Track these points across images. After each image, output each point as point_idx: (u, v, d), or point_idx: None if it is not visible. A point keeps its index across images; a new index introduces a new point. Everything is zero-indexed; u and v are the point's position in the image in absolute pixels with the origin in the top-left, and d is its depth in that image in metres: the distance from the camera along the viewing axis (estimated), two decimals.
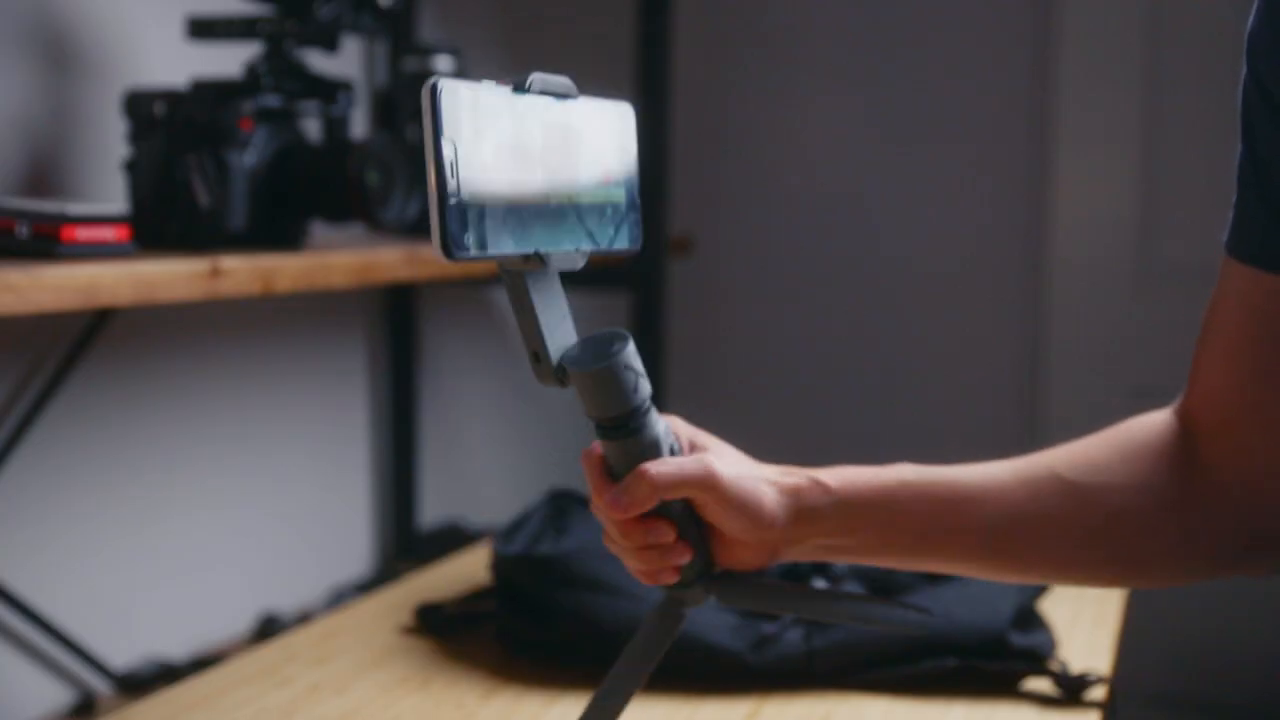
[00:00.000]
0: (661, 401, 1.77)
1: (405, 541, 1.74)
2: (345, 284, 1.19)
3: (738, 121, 2.13)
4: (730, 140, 2.12)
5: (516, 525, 1.16)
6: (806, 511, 0.76)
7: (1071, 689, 0.98)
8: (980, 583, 1.05)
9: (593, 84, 2.32)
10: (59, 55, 1.23)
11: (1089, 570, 0.79)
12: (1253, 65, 0.69)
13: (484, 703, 0.98)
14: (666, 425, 0.74)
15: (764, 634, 1.01)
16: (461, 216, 0.59)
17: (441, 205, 0.59)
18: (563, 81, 0.68)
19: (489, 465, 1.97)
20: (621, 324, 1.77)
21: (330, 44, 1.19)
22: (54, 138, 1.23)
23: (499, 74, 1.97)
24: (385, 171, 1.17)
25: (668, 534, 0.73)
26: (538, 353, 0.68)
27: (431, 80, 0.59)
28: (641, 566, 0.74)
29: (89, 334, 1.23)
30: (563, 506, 1.20)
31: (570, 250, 0.67)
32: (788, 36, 2.09)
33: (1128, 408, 1.87)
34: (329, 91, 1.22)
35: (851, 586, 1.07)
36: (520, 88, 0.65)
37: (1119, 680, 1.04)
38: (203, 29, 1.19)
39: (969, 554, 0.77)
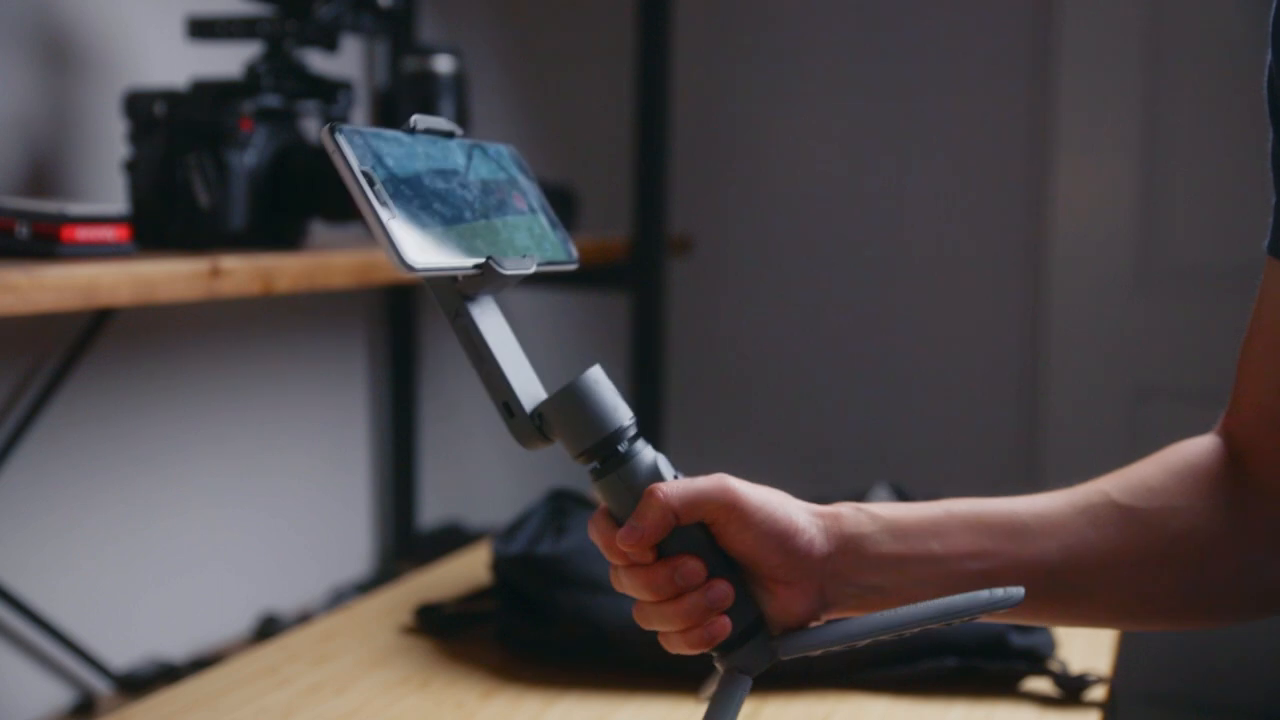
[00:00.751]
0: (662, 402, 1.77)
1: (405, 541, 1.74)
2: (345, 284, 1.19)
3: (738, 121, 2.13)
4: (730, 140, 2.12)
5: (516, 525, 1.16)
6: (852, 540, 0.68)
7: (1071, 689, 0.98)
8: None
9: (593, 84, 2.33)
10: (59, 55, 1.23)
11: (1155, 604, 0.72)
12: (1277, 48, 0.65)
13: (484, 702, 0.98)
14: (665, 458, 0.67)
15: None
16: (406, 229, 0.61)
17: (383, 226, 0.60)
18: (443, 122, 0.68)
19: (489, 465, 1.98)
20: (621, 324, 1.78)
21: (330, 44, 1.19)
22: (54, 138, 1.23)
23: (501, 75, 1.96)
24: None
25: (696, 570, 0.64)
26: (508, 404, 0.65)
27: (326, 126, 0.61)
28: (683, 625, 0.64)
29: (89, 334, 1.23)
30: (563, 506, 1.20)
31: (518, 257, 0.66)
32: (788, 37, 2.09)
33: (1127, 408, 1.88)
34: (329, 91, 1.22)
35: None
36: (409, 129, 0.65)
37: (1119, 680, 1.04)
38: (203, 29, 1.19)
39: (1030, 593, 0.67)
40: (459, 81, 1.48)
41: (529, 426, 0.65)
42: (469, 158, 0.69)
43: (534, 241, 0.69)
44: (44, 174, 1.22)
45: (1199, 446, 0.74)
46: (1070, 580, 0.69)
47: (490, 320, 0.66)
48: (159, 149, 1.11)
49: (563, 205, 1.64)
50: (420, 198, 0.63)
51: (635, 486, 0.65)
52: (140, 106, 1.13)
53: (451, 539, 1.70)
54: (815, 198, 2.09)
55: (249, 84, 1.16)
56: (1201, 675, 1.88)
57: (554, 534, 1.13)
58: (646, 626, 0.67)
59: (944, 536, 0.69)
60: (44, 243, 0.95)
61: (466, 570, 1.29)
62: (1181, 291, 1.89)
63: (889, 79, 2.03)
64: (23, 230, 0.95)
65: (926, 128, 2.02)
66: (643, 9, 1.65)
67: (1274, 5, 0.66)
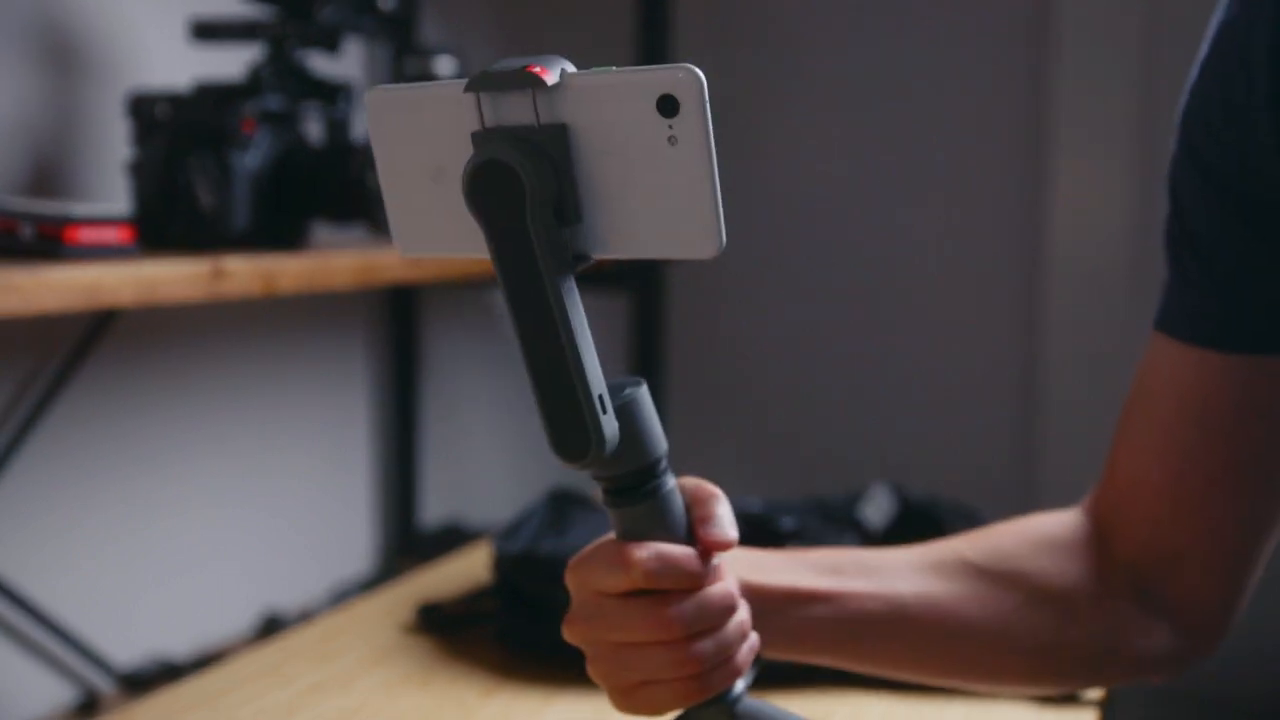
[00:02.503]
0: (662, 402, 1.77)
1: (406, 540, 1.74)
2: (347, 285, 1.19)
3: (737, 122, 2.13)
4: (729, 141, 2.12)
5: (517, 525, 1.17)
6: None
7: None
8: None
9: None
10: (62, 58, 1.23)
11: (1010, 660, 0.71)
12: (1187, 137, 0.67)
13: (484, 701, 0.99)
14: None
15: None
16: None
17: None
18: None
19: (489, 465, 1.98)
20: (621, 324, 1.78)
21: (332, 46, 1.19)
22: (57, 139, 1.23)
23: None
24: None
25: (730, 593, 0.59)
26: (602, 397, 0.55)
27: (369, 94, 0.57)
28: (700, 667, 0.57)
29: (92, 334, 1.24)
30: (563, 506, 1.20)
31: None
32: (787, 38, 2.09)
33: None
34: (330, 93, 1.22)
35: None
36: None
37: None
38: (205, 31, 1.20)
39: (892, 630, 0.68)
40: None
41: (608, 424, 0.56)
42: None
43: None
44: (47, 175, 1.22)
45: (1057, 519, 0.74)
46: (922, 623, 0.68)
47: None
48: (162, 150, 1.12)
49: None
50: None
51: (671, 519, 0.59)
52: (143, 108, 1.13)
53: (452, 538, 1.70)
54: (814, 198, 2.09)
55: (251, 86, 1.17)
56: (1200, 673, 1.88)
57: (555, 533, 1.13)
58: (625, 681, 0.58)
59: (790, 572, 0.68)
60: (48, 243, 0.95)
61: (467, 569, 1.30)
62: None
63: (888, 80, 2.04)
64: (26, 231, 0.96)
65: (925, 129, 2.02)
66: (643, 9, 1.65)
67: (1183, 97, 0.67)
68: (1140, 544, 0.71)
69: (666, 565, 0.56)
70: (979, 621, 0.69)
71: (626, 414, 0.56)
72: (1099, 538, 0.73)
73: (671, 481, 0.60)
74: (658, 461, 0.59)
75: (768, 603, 0.66)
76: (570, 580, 0.60)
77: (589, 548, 0.60)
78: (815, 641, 0.69)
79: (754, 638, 0.60)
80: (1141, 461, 0.71)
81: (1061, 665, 0.71)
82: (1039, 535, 0.73)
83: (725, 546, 0.58)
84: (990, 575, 0.70)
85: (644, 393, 0.58)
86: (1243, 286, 0.66)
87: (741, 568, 0.66)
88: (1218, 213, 0.65)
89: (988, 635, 0.70)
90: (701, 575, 0.57)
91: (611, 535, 0.60)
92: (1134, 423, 0.73)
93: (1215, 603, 0.72)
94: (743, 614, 0.59)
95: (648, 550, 0.57)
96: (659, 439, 0.58)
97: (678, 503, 0.60)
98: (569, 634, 0.60)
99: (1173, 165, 0.68)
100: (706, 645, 0.57)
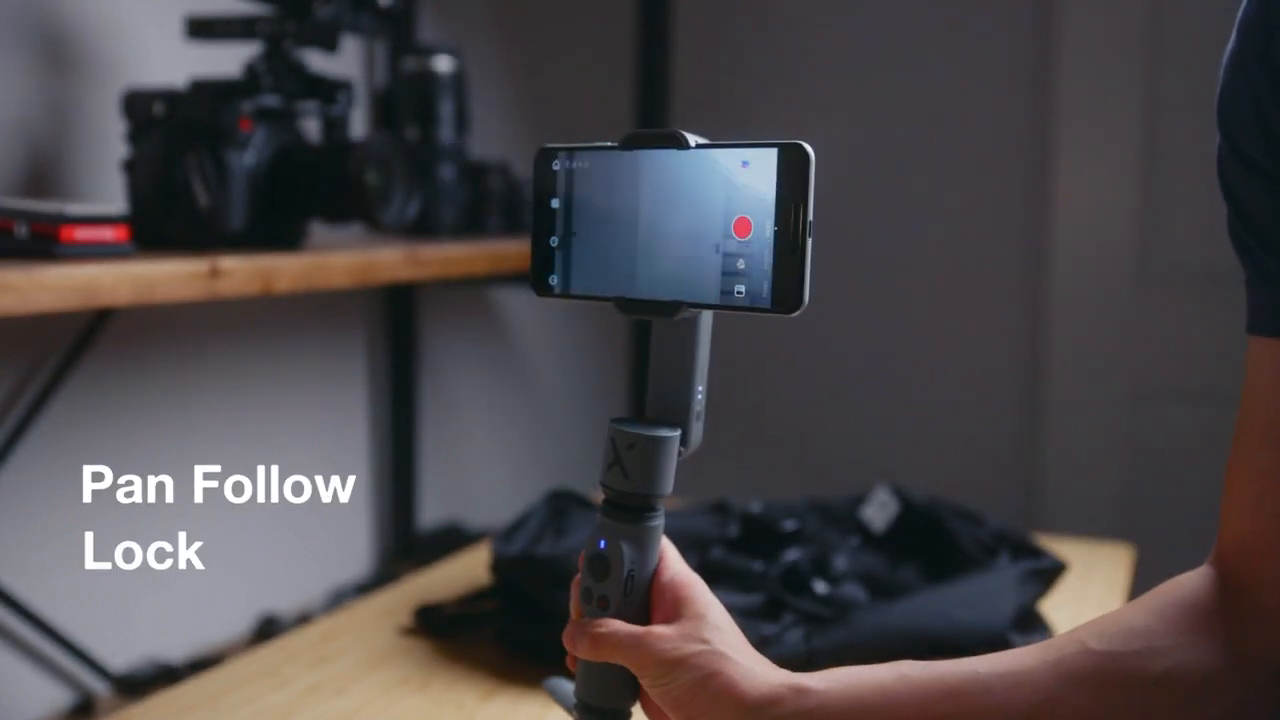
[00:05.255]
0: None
1: (405, 542, 1.74)
2: (345, 284, 1.19)
3: (737, 122, 2.12)
4: (729, 139, 2.12)
5: (516, 525, 1.16)
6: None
7: None
8: (980, 582, 1.05)
9: (593, 84, 2.33)
10: (58, 55, 1.23)
11: None
12: (1226, 132, 0.64)
13: (484, 703, 0.98)
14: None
15: (764, 634, 1.00)
16: (553, 257, 0.66)
17: (537, 243, 0.66)
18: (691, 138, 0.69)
19: (489, 465, 1.97)
20: (622, 324, 1.78)
21: (330, 44, 1.18)
22: (53, 138, 1.22)
23: (501, 75, 1.96)
24: (385, 172, 1.17)
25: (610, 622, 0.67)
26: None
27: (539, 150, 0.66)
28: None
29: (88, 334, 1.23)
30: (562, 507, 1.20)
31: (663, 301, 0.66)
32: (788, 39, 2.09)
33: (1127, 408, 1.87)
34: (328, 92, 1.22)
35: (852, 587, 1.07)
36: (627, 144, 0.67)
37: None
38: (202, 29, 1.19)
39: None
40: (458, 81, 1.48)
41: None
42: (675, 180, 0.67)
43: (718, 280, 0.67)
44: (43, 174, 1.22)
45: (1189, 580, 0.68)
46: None
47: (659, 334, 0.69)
48: (158, 149, 1.11)
49: None
50: (586, 224, 0.67)
51: (647, 550, 0.69)
52: (139, 106, 1.13)
53: (451, 539, 1.70)
54: (815, 197, 2.09)
55: (248, 84, 1.16)
56: None
57: (554, 534, 1.13)
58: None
59: (892, 707, 0.63)
60: (43, 243, 0.94)
61: (466, 570, 1.29)
62: (1181, 292, 1.89)
63: (889, 81, 2.03)
64: (22, 230, 0.95)
65: (927, 130, 2.02)
66: (643, 8, 1.65)
67: (1219, 86, 0.64)
68: (1275, 586, 0.64)
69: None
70: (1104, 715, 0.63)
71: (658, 448, 0.67)
72: (1231, 590, 0.66)
73: (659, 521, 0.68)
74: (656, 496, 0.67)
75: None
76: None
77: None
78: None
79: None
80: (1260, 491, 0.64)
81: None
82: (1169, 603, 0.66)
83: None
84: (1113, 660, 0.64)
85: (668, 441, 0.68)
86: None
87: (819, 701, 0.64)
88: (1272, 202, 0.62)
89: None
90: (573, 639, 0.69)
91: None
92: (1245, 450, 0.65)
93: None
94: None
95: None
96: (667, 481, 0.68)
97: (657, 540, 0.69)
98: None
99: (1220, 162, 0.64)
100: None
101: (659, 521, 0.68)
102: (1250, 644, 0.64)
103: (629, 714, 0.69)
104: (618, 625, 0.67)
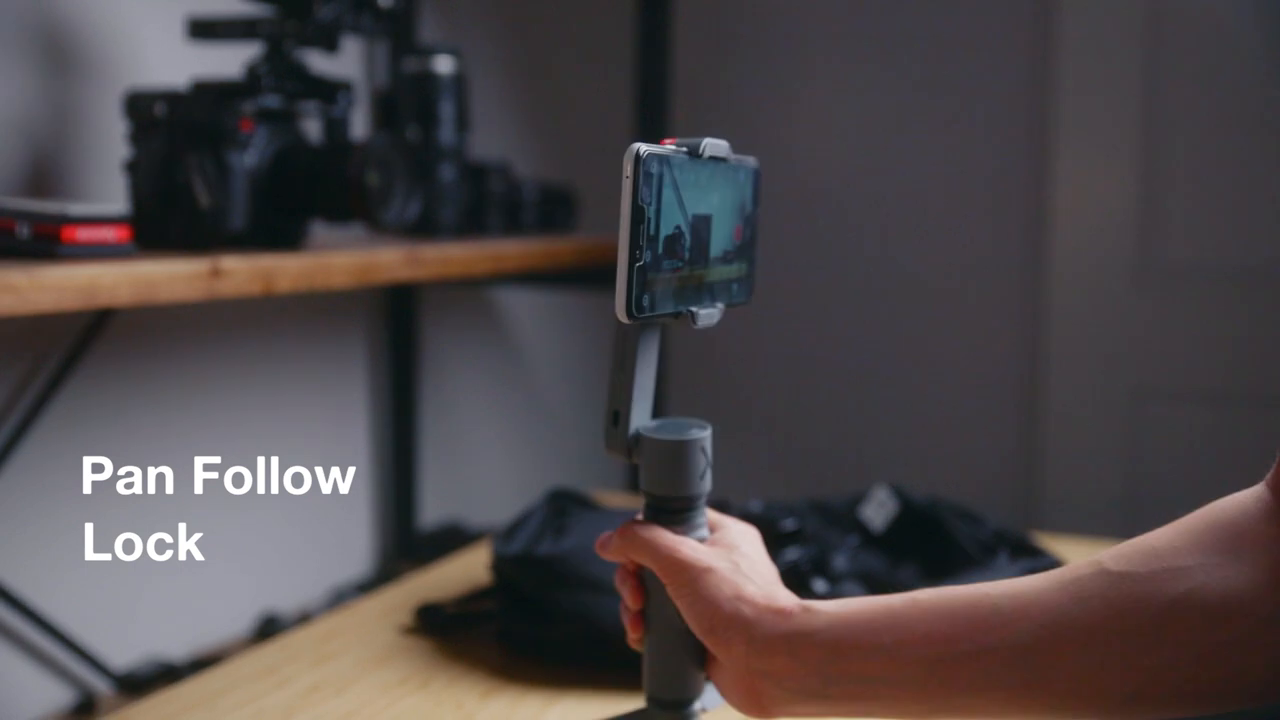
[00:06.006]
0: (662, 402, 1.77)
1: (405, 541, 1.74)
2: (345, 284, 1.19)
3: (737, 122, 2.13)
4: (730, 140, 2.12)
5: (516, 525, 1.16)
6: (784, 638, 0.65)
7: None
8: (980, 582, 1.05)
9: (593, 84, 2.33)
10: (59, 56, 1.23)
11: (1149, 684, 0.60)
12: None
13: (484, 703, 0.98)
14: (707, 534, 0.76)
15: None
16: (644, 278, 0.65)
17: (629, 270, 0.64)
18: (724, 145, 0.72)
19: (489, 465, 1.98)
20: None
21: (330, 45, 1.19)
22: (54, 138, 1.23)
23: (501, 75, 1.95)
24: (385, 172, 1.17)
25: (632, 599, 0.75)
26: (619, 413, 0.71)
27: (634, 147, 0.64)
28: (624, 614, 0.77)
29: (89, 334, 1.23)
30: (563, 506, 1.20)
31: (711, 308, 0.72)
32: (787, 37, 2.09)
33: (1127, 408, 1.87)
34: (329, 92, 1.22)
35: (851, 587, 1.07)
36: (694, 151, 0.68)
37: None
38: (203, 30, 1.19)
39: (1000, 681, 0.61)
40: (459, 82, 1.48)
41: (623, 442, 0.71)
42: (722, 187, 0.72)
43: (729, 285, 0.75)
44: (44, 174, 1.22)
45: (1236, 500, 0.64)
46: (1046, 663, 0.61)
47: (649, 341, 0.71)
48: (159, 149, 1.11)
49: (563, 205, 1.64)
50: (669, 238, 0.67)
51: None
52: (141, 107, 1.13)
53: (451, 539, 1.70)
54: (814, 198, 2.09)
55: (249, 84, 1.16)
56: None
57: (554, 534, 1.13)
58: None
59: (899, 626, 0.63)
60: (44, 243, 0.95)
61: (466, 570, 1.29)
62: (1181, 291, 1.89)
63: (888, 80, 2.03)
64: (23, 230, 0.95)
65: (926, 129, 2.02)
66: (643, 8, 1.65)
67: None
68: None
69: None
70: (1112, 642, 0.60)
71: (681, 450, 0.71)
72: (1278, 515, 0.62)
73: (700, 519, 0.74)
74: (693, 498, 0.72)
75: (847, 662, 0.65)
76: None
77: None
78: (914, 702, 0.64)
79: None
80: None
81: (1209, 680, 0.60)
82: (1205, 524, 0.63)
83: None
84: (1129, 580, 0.61)
85: (694, 441, 0.72)
86: None
87: (827, 619, 0.66)
88: None
89: (1122, 658, 0.60)
90: (601, 544, 0.75)
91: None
92: None
93: None
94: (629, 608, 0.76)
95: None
96: (695, 481, 0.72)
97: (699, 537, 0.74)
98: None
99: None
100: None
101: (697, 519, 0.75)
102: None
103: (694, 704, 0.75)
104: (654, 527, 0.73)
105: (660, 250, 0.65)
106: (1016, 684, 0.61)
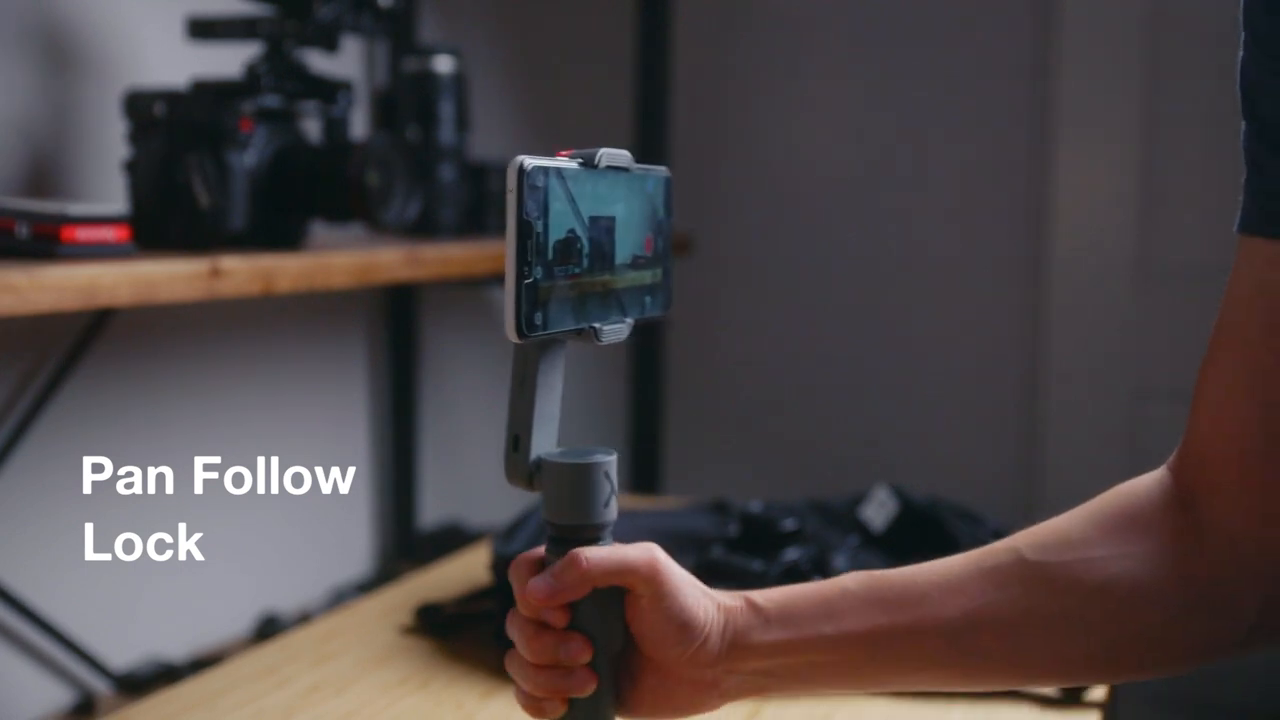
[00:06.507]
0: (662, 402, 1.77)
1: (405, 541, 1.74)
2: (345, 284, 1.19)
3: (738, 121, 2.13)
4: (731, 140, 2.12)
5: (516, 525, 1.16)
6: (740, 634, 0.67)
7: (1071, 689, 0.97)
8: None
9: (593, 84, 2.33)
10: (59, 55, 1.23)
11: (1070, 665, 0.68)
12: (1252, 32, 0.63)
13: (484, 703, 0.98)
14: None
15: None
16: (534, 296, 0.61)
17: (516, 286, 0.61)
18: (625, 155, 0.68)
19: (489, 465, 1.97)
20: None
21: (330, 44, 1.19)
22: (54, 138, 1.23)
23: (501, 75, 1.96)
24: (385, 172, 1.17)
25: (581, 653, 0.65)
26: (519, 438, 0.67)
27: (516, 160, 0.61)
28: (533, 690, 0.66)
29: (89, 334, 1.23)
30: None
31: (618, 323, 0.68)
32: (788, 35, 2.09)
33: (1127, 408, 1.87)
34: (329, 92, 1.22)
35: None
36: (589, 162, 0.66)
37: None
38: (203, 29, 1.19)
39: (932, 662, 0.67)
40: (459, 81, 1.48)
41: (524, 469, 0.67)
42: (626, 197, 0.69)
43: (640, 297, 0.71)
44: (44, 174, 1.22)
45: (1140, 487, 0.69)
46: (972, 646, 0.66)
47: (551, 360, 0.67)
48: (159, 149, 1.11)
49: None
50: (564, 250, 0.63)
51: None
52: (140, 106, 1.13)
53: (451, 539, 1.70)
54: (815, 197, 2.09)
55: (249, 84, 1.16)
56: (1201, 675, 1.88)
57: None
58: (508, 669, 0.68)
59: (837, 617, 0.67)
60: (44, 243, 0.94)
61: (466, 570, 1.29)
62: (1181, 291, 1.89)
63: (889, 79, 2.03)
64: (23, 230, 0.95)
65: (927, 128, 2.02)
66: (643, 8, 1.65)
67: None
68: (1226, 498, 0.64)
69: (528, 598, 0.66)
70: (1034, 627, 0.65)
71: (561, 475, 0.66)
72: (1181, 498, 0.66)
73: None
74: (597, 526, 0.67)
75: (797, 651, 0.67)
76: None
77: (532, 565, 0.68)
78: (850, 679, 0.69)
79: (583, 676, 0.66)
80: (1226, 397, 0.64)
81: (1126, 658, 0.67)
82: (1112, 512, 0.67)
83: (534, 597, 0.66)
84: (1046, 571, 0.65)
85: (588, 469, 0.66)
86: None
87: (768, 615, 0.67)
88: None
89: (1044, 640, 0.66)
90: (547, 604, 0.66)
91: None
92: (1216, 356, 0.65)
93: None
94: (575, 668, 0.66)
95: (516, 574, 0.67)
96: (583, 512, 0.67)
97: None
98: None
99: (1241, 69, 0.63)
100: (551, 678, 0.66)
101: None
102: (1192, 561, 0.65)
103: None
104: (597, 549, 0.67)
105: (551, 257, 0.62)
106: (946, 663, 0.67)
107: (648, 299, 0.71)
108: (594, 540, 0.67)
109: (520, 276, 0.60)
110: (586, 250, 0.65)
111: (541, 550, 0.68)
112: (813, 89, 2.09)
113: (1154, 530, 0.66)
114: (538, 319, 0.62)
